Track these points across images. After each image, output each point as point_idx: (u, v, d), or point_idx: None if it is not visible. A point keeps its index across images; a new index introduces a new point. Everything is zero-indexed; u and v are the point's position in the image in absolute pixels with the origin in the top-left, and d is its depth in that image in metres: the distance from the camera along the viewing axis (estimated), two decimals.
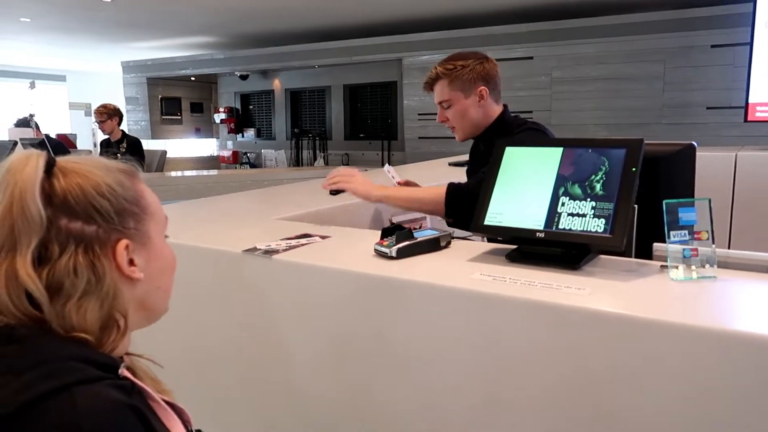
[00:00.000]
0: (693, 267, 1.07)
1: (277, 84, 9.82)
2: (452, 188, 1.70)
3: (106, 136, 4.98)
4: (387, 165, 2.05)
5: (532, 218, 1.18)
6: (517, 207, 1.22)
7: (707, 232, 1.07)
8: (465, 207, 1.57)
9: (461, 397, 1.11)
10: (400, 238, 1.28)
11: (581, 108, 6.74)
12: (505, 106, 1.88)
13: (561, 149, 1.23)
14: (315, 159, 9.28)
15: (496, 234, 1.25)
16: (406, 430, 1.20)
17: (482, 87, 1.81)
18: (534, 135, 1.76)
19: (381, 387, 1.22)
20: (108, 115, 4.83)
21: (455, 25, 7.49)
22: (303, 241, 1.44)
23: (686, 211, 1.08)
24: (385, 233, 1.35)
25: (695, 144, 1.65)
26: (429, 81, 1.87)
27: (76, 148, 6.47)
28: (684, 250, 1.07)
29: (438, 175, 2.28)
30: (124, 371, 0.69)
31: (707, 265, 1.06)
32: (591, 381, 0.97)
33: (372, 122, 8.96)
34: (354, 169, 1.87)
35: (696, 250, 1.06)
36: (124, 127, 5.06)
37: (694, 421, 0.90)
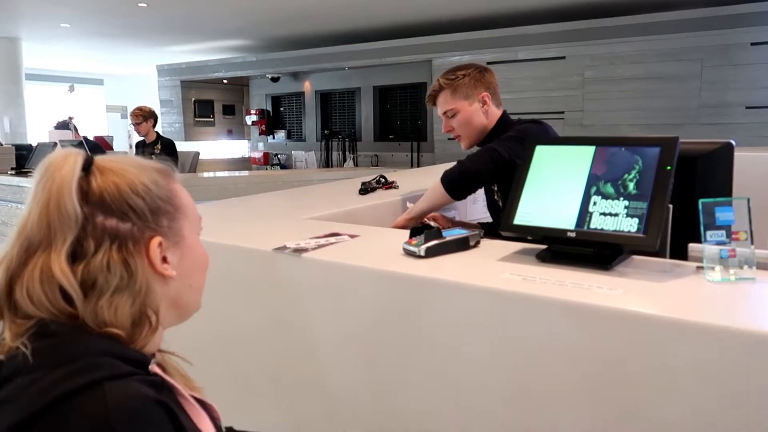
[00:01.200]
0: (730, 268, 1.04)
1: (307, 86, 9.89)
2: (443, 175, 1.82)
3: (142, 138, 5.10)
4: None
5: (563, 218, 1.17)
6: (547, 206, 1.20)
7: (746, 232, 1.04)
8: (461, 182, 1.78)
9: (490, 397, 1.10)
10: (429, 237, 1.27)
11: (615, 108, 6.61)
12: (504, 110, 1.95)
13: (593, 148, 1.21)
14: (345, 160, 9.31)
15: (526, 233, 1.24)
16: (433, 428, 1.19)
17: (484, 93, 1.90)
18: (532, 127, 1.83)
19: (409, 385, 1.21)
20: (144, 117, 4.94)
21: (485, 25, 7.44)
22: (332, 240, 1.45)
23: (724, 211, 1.04)
24: (414, 232, 1.35)
25: (733, 142, 1.61)
26: (432, 94, 1.94)
27: (112, 149, 6.63)
28: (721, 250, 1.04)
29: None
30: (154, 367, 0.70)
31: (745, 267, 1.03)
32: (623, 383, 0.96)
33: (401, 124, 8.94)
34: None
35: (734, 250, 1.03)
36: (158, 129, 5.17)
37: (728, 425, 0.87)
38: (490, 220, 2.14)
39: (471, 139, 1.94)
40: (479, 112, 1.90)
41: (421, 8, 6.99)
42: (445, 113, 1.93)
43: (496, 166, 1.75)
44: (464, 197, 1.86)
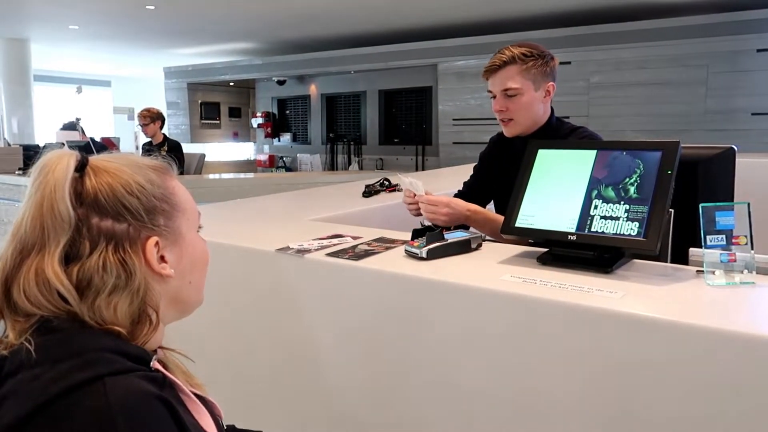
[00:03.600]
0: (730, 272, 1.04)
1: (313, 89, 9.92)
2: None
3: (148, 139, 5.12)
4: (409, 179, 1.68)
5: (564, 221, 1.17)
6: (549, 209, 1.21)
7: (746, 237, 1.04)
8: None
9: (490, 398, 1.11)
10: (431, 239, 1.28)
11: (620, 114, 6.60)
12: (552, 109, 1.80)
13: (595, 152, 1.21)
14: (350, 163, 9.33)
15: (527, 236, 1.24)
16: (435, 428, 1.19)
17: (551, 83, 1.71)
18: (596, 135, 1.68)
19: (410, 386, 1.22)
20: (151, 118, 4.97)
21: (491, 30, 7.44)
22: (335, 241, 1.46)
23: (724, 215, 1.05)
24: (416, 234, 1.36)
25: (735, 147, 1.61)
26: (500, 63, 1.68)
27: (119, 150, 6.66)
28: (721, 254, 1.04)
29: None
30: (155, 364, 0.70)
31: (745, 271, 1.03)
32: (622, 384, 0.96)
33: (407, 127, 8.96)
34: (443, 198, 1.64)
35: (734, 255, 1.04)
36: (164, 131, 5.19)
37: (728, 428, 0.87)
38: None
39: (523, 126, 1.72)
40: (540, 102, 1.70)
41: (427, 12, 7.00)
42: (506, 90, 1.68)
43: None
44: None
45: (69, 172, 0.69)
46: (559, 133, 1.72)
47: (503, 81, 1.68)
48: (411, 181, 1.62)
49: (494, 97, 1.72)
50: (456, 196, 1.84)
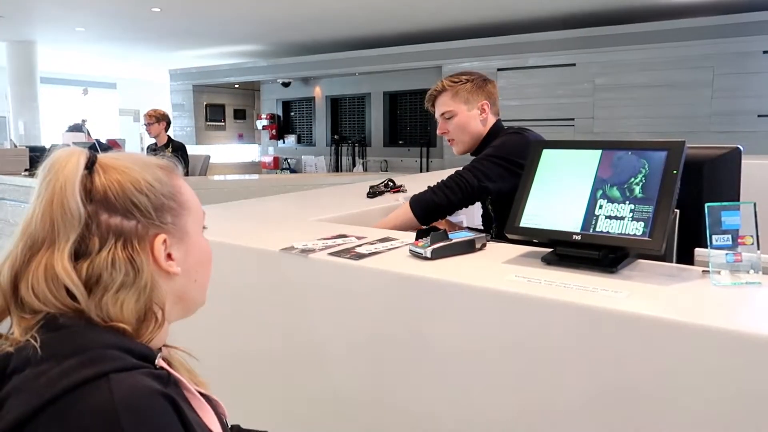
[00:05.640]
0: (736, 272, 1.03)
1: (318, 91, 9.94)
2: (412, 200, 1.82)
3: (153, 140, 5.14)
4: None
5: (569, 221, 1.17)
6: (553, 209, 1.21)
7: (752, 236, 1.04)
8: (429, 212, 1.77)
9: (495, 398, 1.11)
10: (435, 239, 1.28)
11: (625, 116, 6.59)
12: (498, 119, 1.97)
13: (600, 151, 1.21)
14: (354, 165, 9.34)
15: (531, 236, 1.24)
16: (437, 428, 1.19)
17: (484, 101, 1.92)
18: (510, 139, 1.84)
19: (415, 386, 1.22)
20: (156, 119, 4.99)
21: (496, 32, 7.44)
22: (339, 241, 1.46)
23: (730, 215, 1.05)
24: (420, 234, 1.36)
25: (741, 148, 1.60)
26: (434, 94, 1.95)
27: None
28: (727, 254, 1.04)
29: None
30: (160, 361, 0.71)
31: (751, 271, 1.03)
32: (627, 384, 0.95)
33: (411, 129, 8.96)
34: None
35: (740, 254, 1.03)
36: (170, 133, 5.21)
37: (733, 427, 0.87)
38: None
39: (464, 144, 1.97)
40: (477, 119, 1.92)
41: (431, 14, 7.01)
42: (442, 114, 1.95)
43: (464, 195, 1.77)
44: (428, 220, 1.82)
45: (79, 169, 0.70)
46: (495, 137, 1.90)
47: (439, 108, 1.96)
48: None
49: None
50: None
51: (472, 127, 1.93)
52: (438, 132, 2.00)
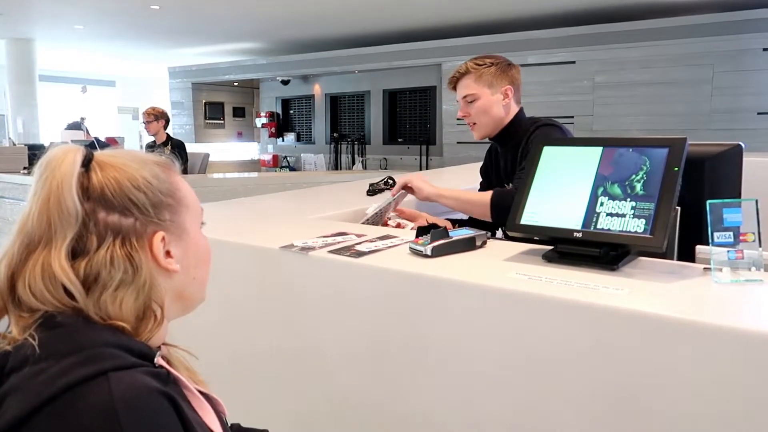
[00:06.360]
0: (738, 270, 1.03)
1: (317, 89, 9.93)
2: (497, 193, 1.79)
3: (152, 138, 5.13)
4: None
5: (570, 218, 1.16)
6: (554, 206, 1.20)
7: (753, 234, 1.03)
8: (509, 211, 1.60)
9: (495, 396, 1.10)
10: (435, 237, 1.27)
11: (625, 113, 6.59)
12: (521, 108, 1.93)
13: (601, 149, 1.21)
14: (353, 163, 9.33)
15: (532, 233, 1.24)
16: (438, 425, 1.19)
17: (508, 86, 1.87)
18: (549, 130, 1.80)
19: (415, 384, 1.21)
20: (155, 117, 4.98)
21: (495, 29, 7.43)
22: (339, 238, 1.45)
23: (731, 212, 1.04)
24: (420, 232, 1.35)
25: (743, 145, 1.60)
26: (456, 76, 1.91)
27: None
28: (728, 252, 1.03)
29: (475, 178, 2.27)
30: (159, 360, 0.71)
31: (753, 268, 1.03)
32: (628, 382, 0.95)
33: (410, 127, 8.96)
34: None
35: (741, 252, 1.03)
36: (169, 131, 5.20)
37: (734, 425, 0.87)
38: None
39: (485, 128, 1.92)
40: (499, 104, 1.88)
41: (431, 12, 7.00)
42: (464, 97, 1.90)
43: None
44: (502, 222, 1.72)
45: (75, 166, 0.69)
46: (521, 127, 1.87)
47: (461, 91, 1.91)
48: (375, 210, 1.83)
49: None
50: None
51: (495, 112, 1.88)
52: (459, 115, 1.95)
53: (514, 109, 1.91)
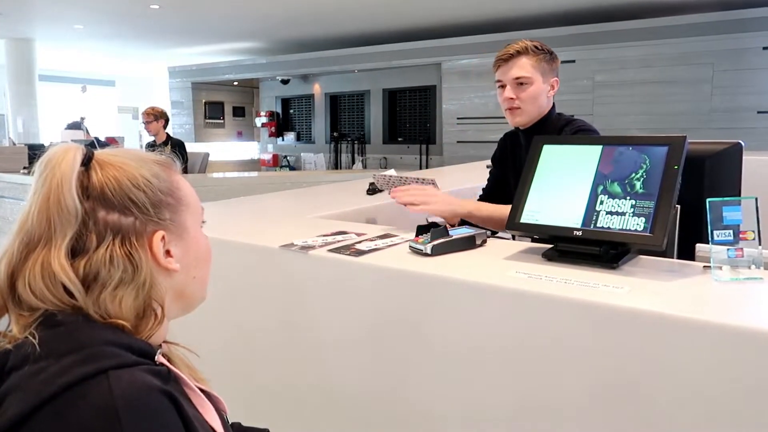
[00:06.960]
0: (738, 268, 1.03)
1: (317, 88, 9.93)
2: None
3: (152, 138, 5.13)
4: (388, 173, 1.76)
5: (570, 216, 1.17)
6: (554, 205, 1.20)
7: (753, 232, 1.04)
8: None
9: (495, 394, 1.10)
10: (435, 236, 1.27)
11: (625, 112, 6.59)
12: (554, 103, 1.86)
13: (600, 147, 1.21)
14: (353, 162, 9.34)
15: (532, 232, 1.24)
16: (439, 425, 1.19)
17: (556, 78, 1.80)
18: (586, 124, 1.74)
19: (415, 383, 1.21)
20: (155, 116, 4.97)
21: (495, 28, 7.43)
22: (339, 237, 1.45)
23: (731, 210, 1.04)
24: (420, 231, 1.35)
25: (743, 143, 1.60)
26: (513, 52, 1.75)
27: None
28: (728, 250, 1.03)
29: (476, 177, 2.27)
30: (160, 358, 0.71)
31: (753, 267, 1.03)
32: (628, 380, 0.95)
33: (410, 126, 8.97)
34: (430, 187, 1.65)
35: (741, 250, 1.03)
36: (169, 130, 5.20)
37: (733, 423, 0.87)
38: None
39: (527, 116, 1.78)
40: (545, 95, 1.77)
41: (430, 11, 7.00)
42: (518, 78, 1.73)
43: None
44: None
45: (75, 165, 0.69)
46: (557, 124, 1.78)
47: (517, 70, 1.74)
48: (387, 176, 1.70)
49: (503, 86, 1.77)
50: (479, 199, 1.88)
51: (541, 101, 1.76)
52: (504, 96, 1.76)
53: (551, 104, 1.83)
